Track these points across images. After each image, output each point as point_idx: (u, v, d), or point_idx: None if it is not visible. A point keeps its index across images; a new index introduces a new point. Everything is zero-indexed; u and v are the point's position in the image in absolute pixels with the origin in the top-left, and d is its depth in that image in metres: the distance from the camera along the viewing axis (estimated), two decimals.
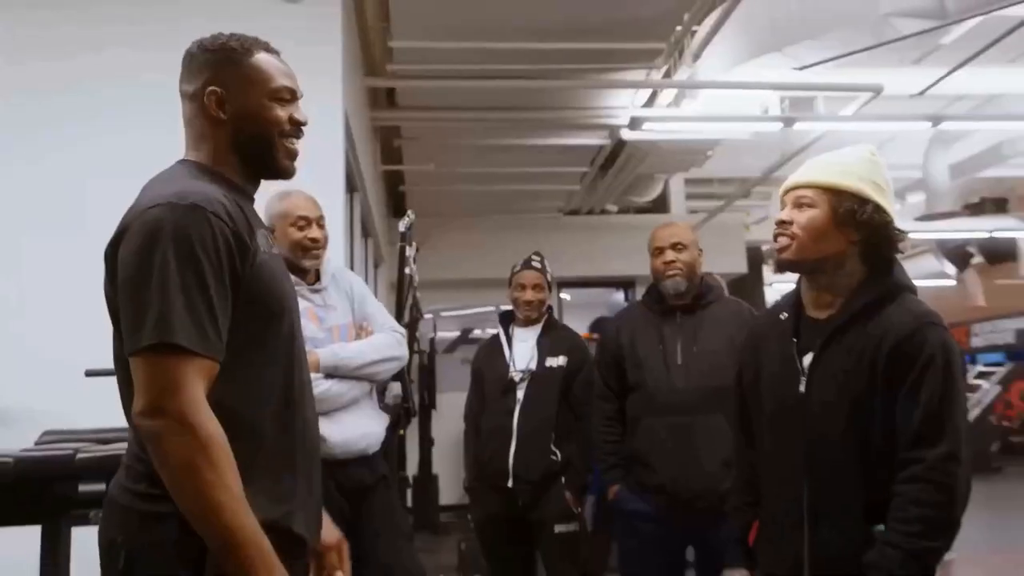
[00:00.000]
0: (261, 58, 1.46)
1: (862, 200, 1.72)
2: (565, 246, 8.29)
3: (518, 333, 3.41)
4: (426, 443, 7.29)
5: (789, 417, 1.78)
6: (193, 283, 1.23)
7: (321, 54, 3.68)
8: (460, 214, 8.18)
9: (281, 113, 1.46)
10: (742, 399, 2.00)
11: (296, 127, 1.48)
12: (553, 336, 3.37)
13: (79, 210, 3.23)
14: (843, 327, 1.72)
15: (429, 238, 7.51)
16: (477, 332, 8.39)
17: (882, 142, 7.94)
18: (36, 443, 2.45)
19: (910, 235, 9.93)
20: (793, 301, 1.87)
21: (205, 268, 1.24)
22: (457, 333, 8.43)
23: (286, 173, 1.50)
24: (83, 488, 2.15)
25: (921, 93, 5.15)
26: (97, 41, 3.55)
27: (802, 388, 1.75)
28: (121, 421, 2.60)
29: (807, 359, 1.76)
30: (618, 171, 6.94)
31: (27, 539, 2.21)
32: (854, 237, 1.73)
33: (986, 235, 9.50)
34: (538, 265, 3.43)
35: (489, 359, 3.43)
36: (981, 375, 11.82)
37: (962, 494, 1.59)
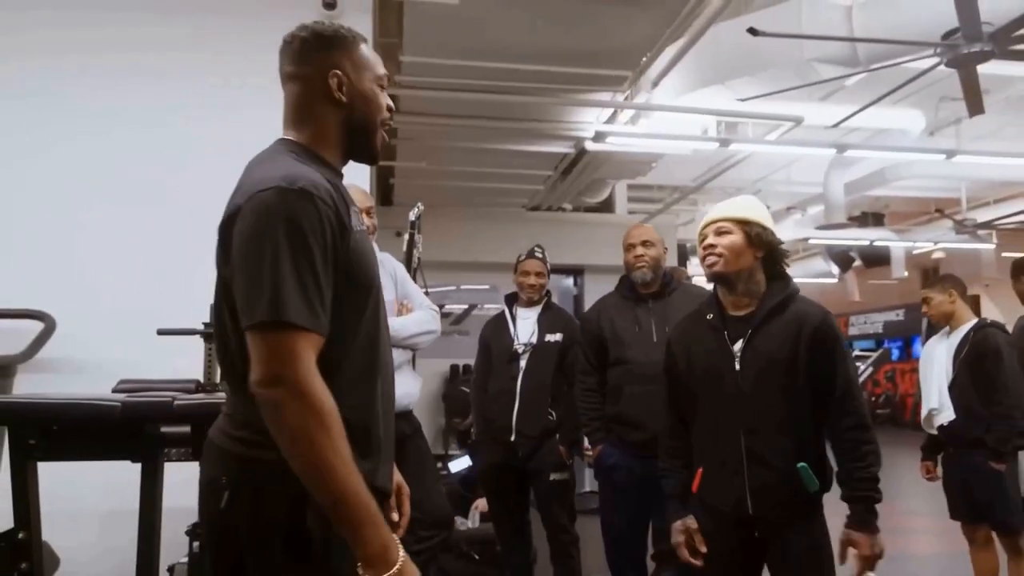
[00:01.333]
0: (365, 47, 1.39)
1: (763, 227, 2.02)
2: (526, 237, 8.17)
3: (520, 312, 3.46)
4: None
5: (725, 390, 2.00)
6: (304, 264, 1.16)
7: None
8: (439, 205, 8.15)
9: (384, 100, 1.40)
10: (673, 383, 2.18)
11: (391, 113, 1.43)
12: (551, 315, 3.44)
13: (160, 183, 3.20)
14: (764, 320, 2.00)
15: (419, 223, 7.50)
16: (451, 307, 8.43)
17: (791, 162, 8.22)
18: (113, 390, 2.43)
19: (811, 241, 10.32)
20: (715, 304, 2.10)
21: (314, 250, 1.18)
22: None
23: (376, 158, 1.44)
24: (165, 430, 2.17)
25: (836, 125, 5.35)
26: (147, 42, 3.48)
27: (736, 366, 1.99)
28: (186, 373, 2.62)
29: (737, 345, 2.00)
30: (577, 176, 7.03)
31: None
32: (759, 254, 2.02)
33: (867, 243, 9.91)
34: (540, 255, 3.51)
35: (496, 333, 3.48)
36: (857, 358, 12.35)
37: (872, 427, 1.95)
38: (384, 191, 8.02)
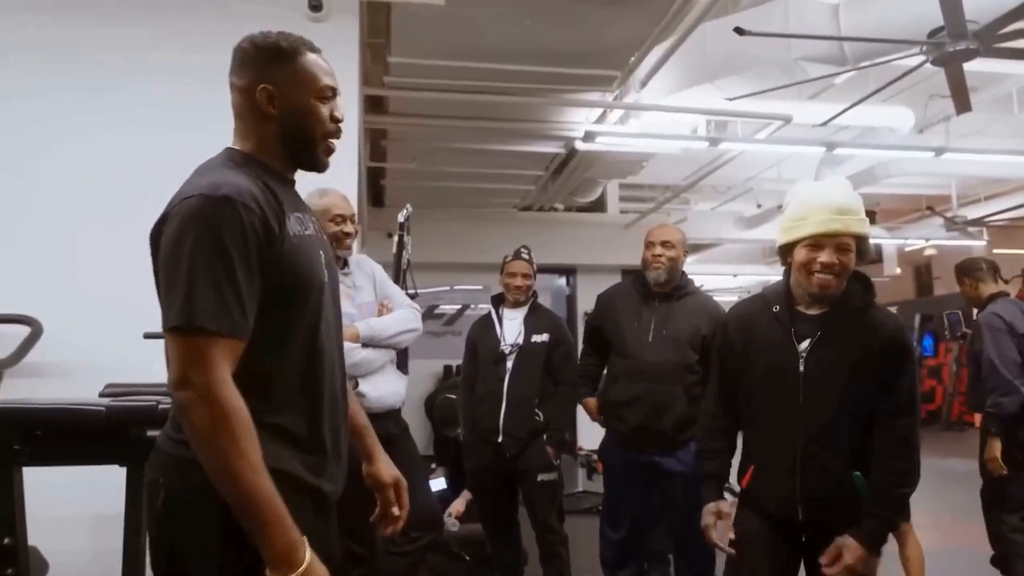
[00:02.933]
0: (308, 58, 1.39)
1: (867, 239, 1.90)
2: (518, 237, 8.23)
3: (507, 313, 3.47)
4: None
5: (786, 388, 1.91)
6: (221, 269, 1.18)
7: (340, 65, 3.61)
8: (429, 206, 8.16)
9: (325, 112, 1.39)
10: (725, 367, 2.10)
11: (336, 125, 1.42)
12: (538, 317, 3.44)
13: (149, 186, 3.18)
14: (837, 323, 1.89)
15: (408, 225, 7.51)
16: (443, 308, 8.43)
17: (780, 160, 8.25)
18: (101, 393, 2.42)
19: None
20: (784, 297, 1.97)
21: (233, 255, 1.19)
22: (424, 309, 8.44)
23: (322, 167, 1.44)
24: (150, 433, 2.16)
25: (824, 124, 5.37)
26: (137, 44, 3.45)
27: (801, 367, 1.88)
28: None
29: (803, 345, 1.90)
30: (568, 175, 7.05)
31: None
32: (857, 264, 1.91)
33: None
34: (526, 256, 3.51)
35: (482, 334, 3.48)
36: None
37: (919, 449, 1.86)
38: (375, 192, 8.03)
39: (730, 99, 4.93)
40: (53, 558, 2.86)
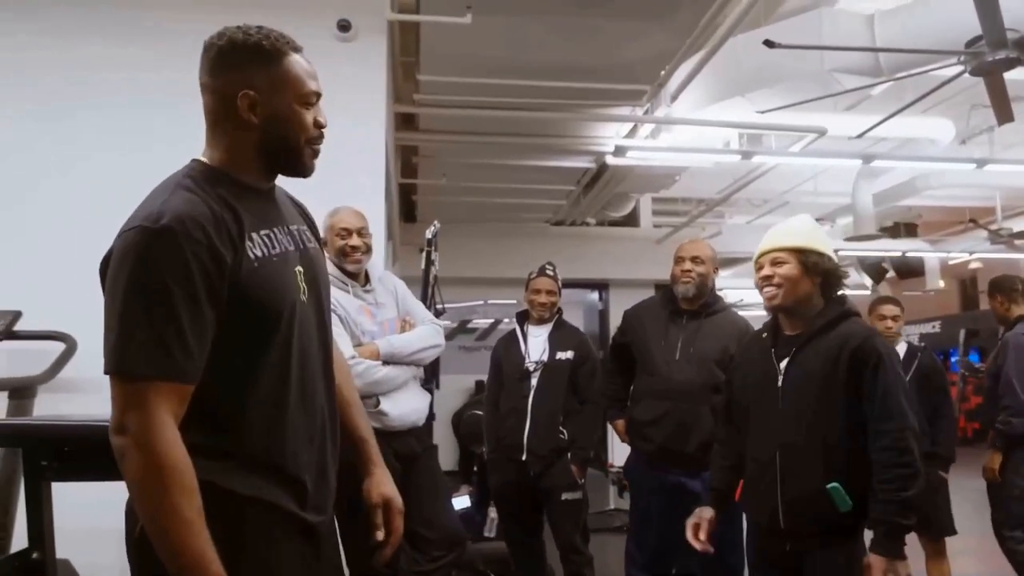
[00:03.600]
0: (291, 60, 1.28)
1: (819, 253, 2.04)
2: (550, 252, 8.22)
3: (531, 330, 3.45)
4: (429, 417, 7.30)
5: (767, 405, 2.05)
6: (160, 309, 1.10)
7: (368, 83, 3.67)
8: (462, 221, 8.21)
9: (308, 118, 1.29)
10: (730, 395, 2.28)
11: (320, 131, 1.32)
12: (562, 333, 3.42)
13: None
14: (809, 339, 2.01)
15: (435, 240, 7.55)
16: (475, 323, 8.44)
17: (817, 173, 8.12)
18: None
19: (840, 253, 10.16)
20: (772, 324, 2.16)
21: (174, 293, 1.10)
22: (456, 324, 8.47)
23: (307, 173, 1.34)
24: None
25: (859, 136, 5.27)
26: (159, 57, 3.51)
27: (779, 383, 2.03)
28: None
29: (783, 363, 2.04)
30: (599, 190, 7.02)
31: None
32: (816, 280, 2.04)
33: (899, 254, 9.72)
34: (551, 273, 3.49)
35: (507, 351, 3.47)
36: None
37: (917, 452, 1.87)
38: (408, 208, 8.09)
39: (761, 112, 4.85)
40: (84, 571, 2.91)
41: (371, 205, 3.59)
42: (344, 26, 3.63)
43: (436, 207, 7.62)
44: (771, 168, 6.72)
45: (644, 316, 3.04)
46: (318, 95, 1.33)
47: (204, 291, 1.14)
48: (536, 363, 3.33)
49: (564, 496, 3.22)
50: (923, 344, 3.79)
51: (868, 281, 10.70)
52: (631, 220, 8.73)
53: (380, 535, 1.46)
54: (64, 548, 2.89)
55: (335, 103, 3.78)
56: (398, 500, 1.51)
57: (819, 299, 2.06)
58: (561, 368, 3.31)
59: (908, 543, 3.58)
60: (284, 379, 1.26)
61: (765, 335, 2.15)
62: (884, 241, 8.97)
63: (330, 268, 2.56)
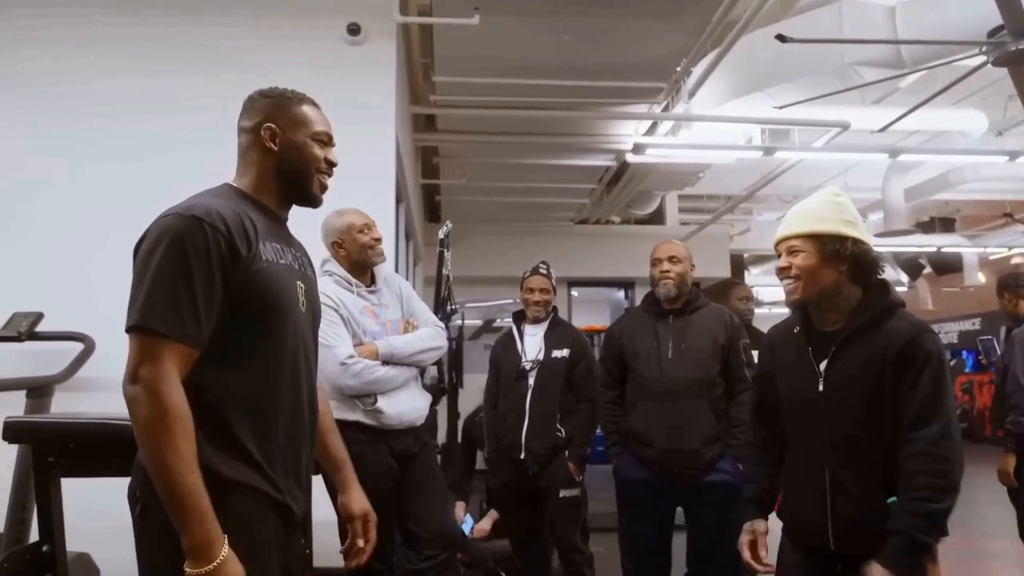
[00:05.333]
0: (307, 107, 1.55)
1: (841, 238, 1.77)
2: (575, 251, 8.39)
3: (527, 329, 3.45)
4: (453, 416, 7.35)
5: (808, 411, 1.83)
6: (181, 280, 1.28)
7: (378, 85, 3.73)
8: (487, 221, 8.25)
9: (319, 152, 1.54)
10: (761, 393, 2.05)
11: (329, 166, 1.57)
12: (558, 331, 3.42)
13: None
14: (851, 337, 1.78)
15: (460, 240, 7.60)
16: (499, 322, 8.47)
17: (847, 168, 7.97)
18: None
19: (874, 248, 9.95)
20: (802, 318, 1.91)
21: (193, 267, 1.29)
22: (481, 322, 8.52)
23: (316, 202, 1.57)
24: None
25: (882, 130, 5.17)
26: (181, 66, 3.62)
27: (820, 387, 1.80)
28: None
29: (822, 365, 1.81)
30: (622, 188, 7.00)
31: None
32: (842, 268, 1.78)
33: (934, 250, 9.50)
34: (544, 271, 3.47)
35: (504, 351, 3.47)
36: None
37: (957, 463, 1.66)
38: (431, 208, 8.16)
39: (779, 107, 4.79)
40: (104, 566, 3.01)
41: (382, 206, 3.66)
42: (354, 29, 3.69)
43: (459, 207, 7.68)
44: (796, 163, 6.63)
45: (631, 325, 3.00)
46: (330, 137, 1.58)
47: (219, 273, 1.32)
48: (532, 362, 3.33)
49: (562, 493, 3.22)
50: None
51: (904, 278, 10.47)
52: (657, 218, 8.67)
53: (361, 542, 1.68)
54: (84, 543, 3.01)
55: (346, 105, 3.83)
56: (373, 514, 1.71)
57: (851, 288, 1.80)
58: (557, 366, 3.31)
59: None
60: (277, 374, 1.42)
61: (797, 330, 1.89)
62: (917, 237, 8.77)
63: (336, 269, 2.62)
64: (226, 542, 1.25)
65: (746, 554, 1.94)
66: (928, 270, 10.68)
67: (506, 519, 3.45)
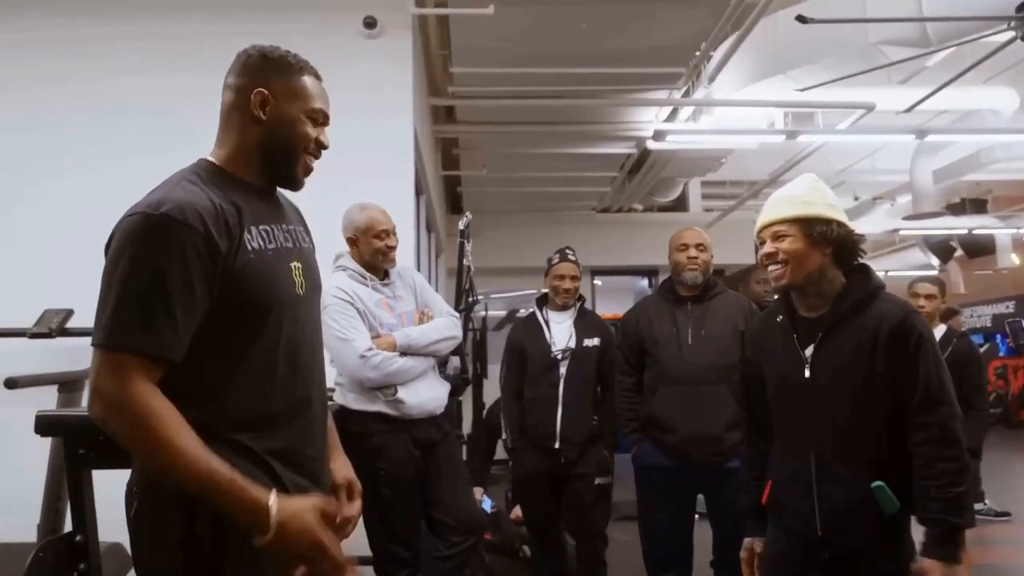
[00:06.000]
0: (308, 79, 1.41)
1: (825, 221, 1.79)
2: (598, 239, 8.37)
3: (553, 316, 3.39)
4: (478, 406, 7.38)
5: (795, 399, 1.83)
6: (152, 289, 1.17)
7: (395, 78, 3.75)
8: (508, 211, 8.26)
9: (311, 131, 1.40)
10: (748, 387, 2.05)
11: (319, 148, 1.43)
12: (587, 320, 3.39)
13: None
14: (838, 322, 1.78)
15: (482, 231, 7.61)
16: (522, 312, 8.47)
17: (875, 150, 7.84)
18: None
19: (902, 232, 9.78)
20: (785, 305, 1.91)
21: (167, 275, 1.18)
22: (504, 313, 8.53)
23: (297, 185, 1.43)
24: None
25: (908, 110, 5.07)
26: (197, 64, 3.64)
27: (807, 374, 1.80)
28: None
29: (808, 351, 1.81)
30: (643, 175, 6.96)
31: None
32: (827, 251, 1.80)
33: (965, 232, 9.31)
34: (573, 257, 3.42)
35: (530, 338, 3.39)
36: None
37: (964, 443, 1.67)
38: (453, 200, 8.18)
39: (801, 89, 4.72)
40: None
41: (401, 199, 3.68)
42: (370, 23, 3.70)
43: (481, 198, 7.70)
44: (820, 147, 6.53)
45: (649, 311, 2.99)
46: (326, 116, 1.43)
47: (196, 275, 1.21)
48: (564, 350, 3.28)
49: (598, 481, 3.20)
50: (964, 329, 3.63)
51: (935, 261, 10.28)
52: (680, 205, 8.61)
53: (348, 511, 1.51)
54: (114, 532, 3.08)
55: (364, 99, 3.85)
56: (358, 484, 1.57)
57: (835, 272, 1.82)
58: (589, 355, 3.28)
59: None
60: (271, 367, 1.33)
61: (780, 318, 1.90)
62: (947, 219, 8.60)
63: (350, 264, 2.64)
64: (272, 496, 1.20)
65: (746, 572, 1.96)
66: (959, 253, 10.46)
67: (530, 509, 3.39)
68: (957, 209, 8.99)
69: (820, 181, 1.89)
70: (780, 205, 1.85)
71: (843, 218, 1.82)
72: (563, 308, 3.40)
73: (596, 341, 3.31)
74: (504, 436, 3.43)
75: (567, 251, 3.46)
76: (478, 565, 3.26)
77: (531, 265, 8.38)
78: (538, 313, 3.43)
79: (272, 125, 1.37)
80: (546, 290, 3.47)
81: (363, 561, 2.67)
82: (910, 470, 1.69)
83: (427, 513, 2.60)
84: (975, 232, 9.33)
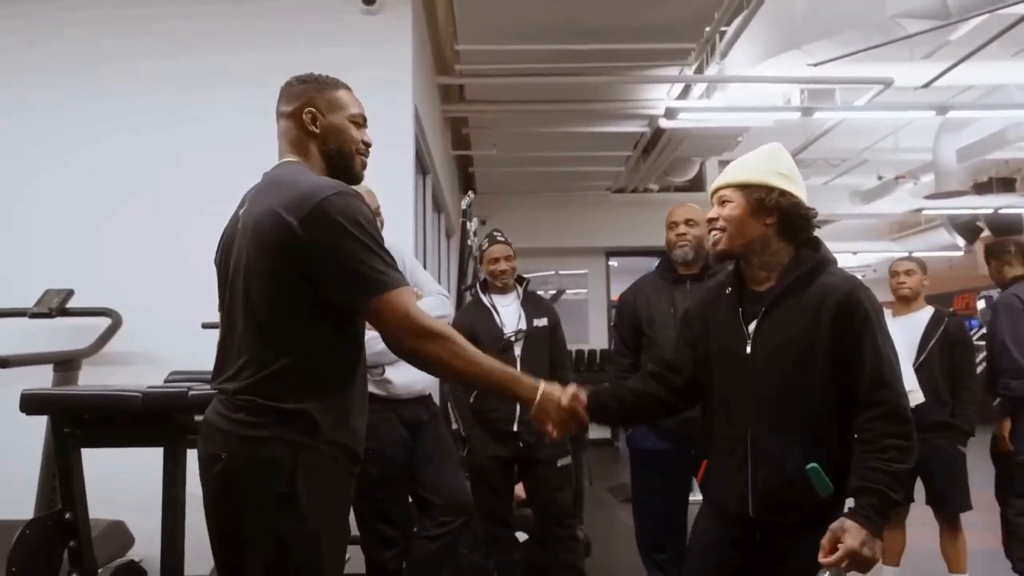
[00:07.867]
0: (342, 91, 1.65)
1: (768, 189, 1.73)
2: (612, 220, 8.28)
3: (498, 300, 3.31)
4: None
5: (734, 374, 1.78)
6: (376, 245, 1.46)
7: (394, 55, 3.69)
8: (521, 192, 8.20)
9: (356, 134, 1.63)
10: (681, 336, 1.97)
11: (366, 147, 1.67)
12: (534, 302, 3.37)
13: (222, 185, 3.38)
14: (781, 296, 1.73)
15: (495, 212, 7.57)
16: (539, 293, 8.43)
17: (897, 128, 7.64)
18: (164, 381, 2.57)
19: (925, 211, 9.56)
20: (735, 277, 1.86)
21: (376, 234, 1.48)
22: None
23: (359, 179, 1.67)
24: (198, 418, 2.28)
25: (926, 85, 4.92)
26: (195, 44, 3.65)
27: (748, 349, 1.75)
28: None
29: (751, 326, 1.76)
30: (658, 155, 6.85)
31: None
32: (769, 221, 1.74)
33: (992, 211, 9.09)
34: (502, 239, 3.35)
35: (480, 322, 3.25)
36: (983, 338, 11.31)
37: (912, 421, 1.64)
38: (466, 180, 8.12)
39: (815, 64, 4.59)
40: (139, 536, 3.11)
41: (400, 179, 3.65)
42: (369, 0, 3.65)
43: (493, 178, 7.64)
44: (838, 124, 6.38)
45: (646, 291, 2.93)
46: (364, 119, 1.68)
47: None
48: (516, 332, 3.21)
49: (560, 462, 3.17)
50: (951, 310, 3.58)
51: (960, 241, 10.05)
52: (697, 185, 8.46)
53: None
54: (120, 511, 3.12)
55: (362, 77, 3.79)
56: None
57: (781, 244, 1.75)
58: (541, 335, 3.23)
59: (924, 518, 3.49)
60: (359, 350, 1.57)
61: (729, 290, 1.84)
62: (972, 198, 8.39)
63: None
64: (542, 384, 1.71)
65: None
66: (986, 233, 10.21)
67: (486, 496, 3.20)
68: (984, 188, 8.76)
69: (783, 150, 1.83)
70: (729, 171, 1.83)
71: (793, 188, 1.76)
72: (504, 291, 3.32)
73: (544, 321, 3.26)
74: (455, 425, 3.34)
75: (495, 234, 3.39)
76: (472, 545, 3.24)
77: (544, 246, 8.37)
78: (483, 297, 3.34)
79: (325, 134, 1.61)
80: (483, 276, 3.40)
81: (351, 541, 2.67)
82: (846, 454, 1.65)
83: (415, 492, 2.58)
84: (1002, 211, 9.09)
